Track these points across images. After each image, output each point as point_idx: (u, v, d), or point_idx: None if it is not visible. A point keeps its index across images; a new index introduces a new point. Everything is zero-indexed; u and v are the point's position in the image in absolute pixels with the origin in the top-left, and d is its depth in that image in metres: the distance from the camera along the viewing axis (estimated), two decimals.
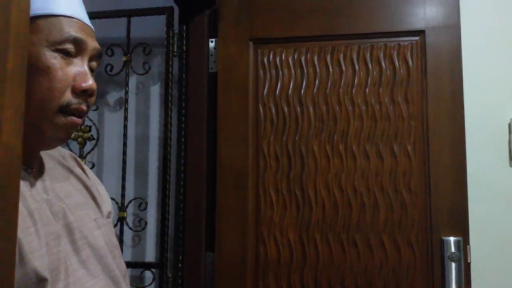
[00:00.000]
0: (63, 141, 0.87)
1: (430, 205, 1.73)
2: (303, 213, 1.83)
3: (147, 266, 1.92)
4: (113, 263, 0.86)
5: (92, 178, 0.98)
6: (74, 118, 0.80)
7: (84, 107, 0.82)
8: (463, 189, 1.71)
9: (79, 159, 1.01)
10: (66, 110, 0.79)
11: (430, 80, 1.78)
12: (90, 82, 0.82)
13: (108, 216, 0.99)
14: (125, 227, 1.95)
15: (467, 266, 1.68)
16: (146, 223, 1.97)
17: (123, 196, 1.97)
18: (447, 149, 1.74)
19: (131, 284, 1.96)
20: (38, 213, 0.77)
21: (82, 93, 0.81)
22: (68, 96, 0.79)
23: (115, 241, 0.92)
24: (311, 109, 1.86)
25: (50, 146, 0.85)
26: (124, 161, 1.99)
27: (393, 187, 1.76)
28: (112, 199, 1.97)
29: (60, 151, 0.97)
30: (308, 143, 1.84)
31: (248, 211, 1.86)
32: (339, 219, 1.80)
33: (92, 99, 0.84)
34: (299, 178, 1.84)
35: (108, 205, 1.00)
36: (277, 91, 1.89)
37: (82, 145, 2.03)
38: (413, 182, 1.75)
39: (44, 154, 0.87)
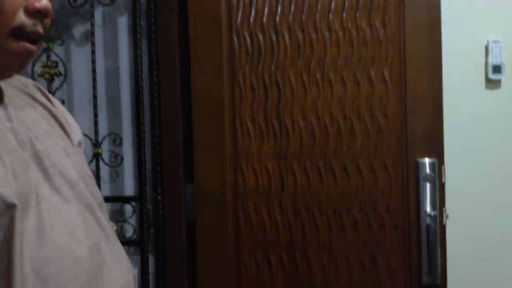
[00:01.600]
0: (17, 71, 0.76)
1: (406, 129, 1.67)
2: (280, 142, 1.76)
3: (126, 200, 1.84)
4: (86, 191, 0.78)
5: (58, 106, 0.88)
6: (27, 45, 0.70)
7: (40, 29, 0.71)
8: (439, 112, 1.65)
9: (42, 88, 0.90)
10: (20, 33, 0.69)
11: (408, 3, 1.68)
12: (44, 1, 0.71)
13: (79, 146, 0.89)
14: (101, 163, 1.85)
15: (442, 186, 1.66)
16: (122, 158, 1.87)
17: (96, 132, 1.85)
18: (424, 73, 1.66)
19: (111, 218, 1.90)
20: (1, 141, 0.69)
21: (36, 14, 0.70)
22: (21, 18, 0.69)
23: (88, 170, 0.84)
24: (286, 36, 1.74)
25: (2, 76, 0.75)
26: (94, 97, 1.85)
27: (369, 113, 1.69)
28: (86, 135, 1.86)
29: (21, 80, 0.85)
30: (285, 72, 1.74)
31: (225, 142, 1.78)
32: (316, 146, 1.74)
33: (48, 21, 0.73)
34: (276, 108, 1.75)
35: (77, 134, 0.91)
36: (251, 19, 1.75)
37: (50, 81, 1.87)
38: (390, 107, 1.68)
39: (2, 83, 0.77)
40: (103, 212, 0.84)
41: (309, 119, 1.72)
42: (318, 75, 1.71)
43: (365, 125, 1.70)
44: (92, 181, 0.85)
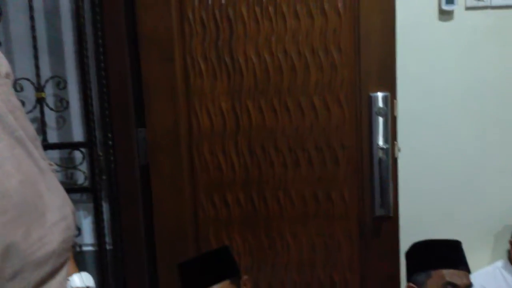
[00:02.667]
0: None
1: (360, 63, 1.61)
2: (234, 80, 1.67)
3: (74, 146, 1.72)
4: (15, 123, 0.69)
5: None
6: None
7: None
8: (392, 45, 1.59)
9: None
10: None
11: None
12: None
13: (6, 77, 0.78)
14: (46, 109, 1.71)
15: (394, 120, 1.65)
16: (67, 102, 1.73)
17: (38, 75, 1.69)
18: (376, 5, 1.58)
19: (60, 166, 1.79)
20: None
21: None
22: None
23: (16, 102, 0.73)
24: None
25: None
26: (34, 38, 1.68)
27: (323, 47, 1.62)
28: (27, 79, 1.71)
29: None
30: (236, 6, 1.61)
31: (177, 82, 1.67)
32: (270, 84, 1.67)
33: None
34: (228, 44, 1.65)
35: (4, 66, 0.80)
36: None
37: None
38: (343, 41, 1.61)
39: None
40: (36, 147, 0.74)
41: (262, 56, 1.64)
42: (271, 9, 1.61)
43: (319, 60, 1.63)
44: (22, 113, 0.75)
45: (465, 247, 1.78)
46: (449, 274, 1.31)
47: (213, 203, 1.74)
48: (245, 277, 1.48)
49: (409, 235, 1.62)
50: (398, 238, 1.67)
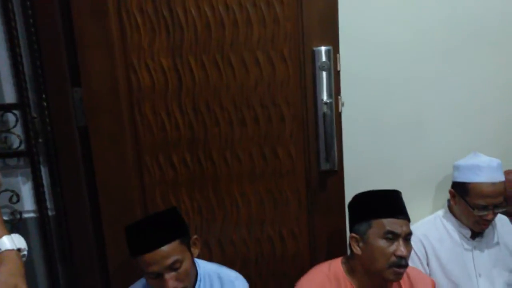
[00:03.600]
0: None
1: (302, 17, 1.55)
2: (174, 36, 1.58)
3: (6, 108, 1.61)
4: None
5: None
6: None
7: None
8: None
9: None
10: None
11: None
12: None
13: None
14: None
15: (337, 74, 1.62)
16: None
17: None
18: None
19: None
20: None
21: None
22: None
23: None
24: None
25: None
26: None
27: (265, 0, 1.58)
28: None
29: None
30: None
31: (113, 38, 1.55)
32: (212, 39, 1.59)
33: None
34: None
35: None
36: None
37: None
38: None
39: None
40: None
41: (202, 9, 1.55)
42: None
43: (261, 14, 1.56)
44: None
45: (408, 198, 1.81)
46: (389, 223, 1.32)
47: (158, 164, 1.68)
48: (194, 237, 1.45)
49: (354, 188, 1.62)
50: (343, 192, 1.68)
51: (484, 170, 1.60)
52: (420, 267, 1.66)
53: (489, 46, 1.78)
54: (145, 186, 1.70)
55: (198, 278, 1.45)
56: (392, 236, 1.31)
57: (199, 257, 1.51)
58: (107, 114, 1.61)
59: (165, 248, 1.32)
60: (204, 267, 1.49)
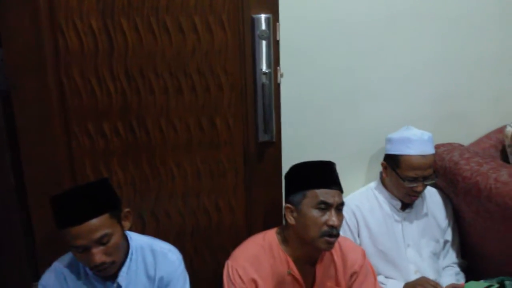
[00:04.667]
0: None
1: None
2: None
3: None
4: None
5: None
6: None
7: None
8: None
9: None
10: None
11: None
12: None
13: None
14: None
15: (276, 43, 1.59)
16: None
17: None
18: None
19: None
20: None
21: None
22: None
23: None
24: None
25: None
26: None
27: None
28: None
29: None
30: None
31: None
32: (146, 1, 1.50)
33: None
34: None
35: None
36: None
37: None
38: None
39: None
40: None
41: None
42: None
43: None
44: None
45: (343, 169, 1.83)
46: (322, 193, 1.33)
47: (88, 132, 1.59)
48: (126, 209, 1.39)
49: (291, 159, 1.62)
50: (281, 163, 1.68)
51: (415, 143, 1.65)
52: (351, 237, 1.70)
53: (424, 22, 1.82)
54: (74, 156, 1.61)
55: (130, 251, 1.40)
56: (324, 206, 1.33)
57: (131, 229, 1.46)
58: (31, 76, 1.49)
59: (94, 221, 1.25)
60: (137, 240, 1.44)
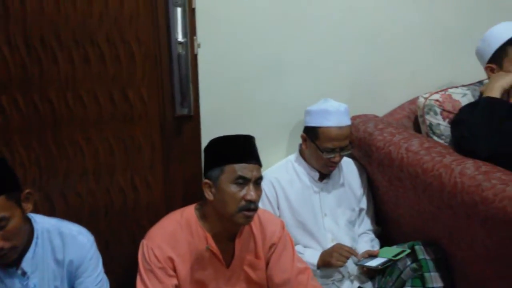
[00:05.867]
0: None
1: None
2: None
3: None
4: None
5: None
6: None
7: None
8: None
9: None
10: None
11: None
12: None
13: None
14: None
15: (192, 12, 1.51)
16: None
17: None
18: None
19: None
20: None
21: None
22: None
23: None
24: None
25: None
26: None
27: None
28: None
29: None
30: None
31: None
32: None
33: None
34: None
35: None
36: None
37: None
38: None
39: None
40: None
41: None
42: None
43: None
44: None
45: (264, 142, 1.82)
46: (240, 168, 1.30)
47: None
48: (26, 190, 1.26)
49: (210, 133, 1.57)
50: (200, 137, 1.63)
51: (332, 114, 1.67)
52: (270, 209, 1.71)
53: None
54: None
55: (35, 235, 1.29)
56: (242, 181, 1.30)
57: (39, 212, 1.35)
58: None
59: None
60: (42, 222, 1.33)
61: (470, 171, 1.38)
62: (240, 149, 1.35)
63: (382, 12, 1.90)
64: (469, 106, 1.71)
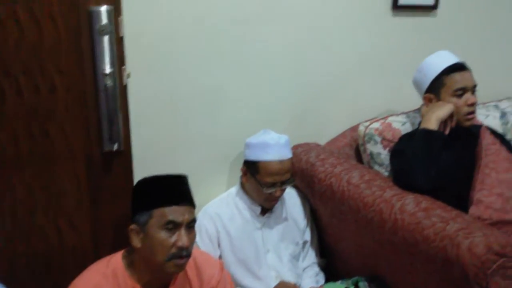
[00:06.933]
0: None
1: None
2: None
3: None
4: None
5: None
6: None
7: None
8: None
9: None
10: None
11: None
12: None
13: None
14: None
15: (120, 40, 1.40)
16: None
17: None
18: None
19: None
20: None
21: None
22: None
23: None
24: None
25: None
26: None
27: None
28: None
29: None
30: None
31: None
32: None
33: None
34: None
35: None
36: None
37: None
38: None
39: None
40: None
41: None
42: None
43: None
44: None
45: (203, 175, 1.75)
46: (171, 212, 1.20)
47: None
48: None
49: (144, 169, 1.46)
50: (132, 174, 1.51)
51: (272, 147, 1.60)
52: (210, 247, 1.61)
53: (279, 23, 1.77)
54: None
55: None
56: (173, 226, 1.20)
57: None
58: None
59: None
60: None
61: (410, 207, 1.35)
62: (171, 191, 1.24)
63: (320, 41, 1.88)
64: (407, 136, 1.71)
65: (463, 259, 1.13)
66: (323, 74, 1.93)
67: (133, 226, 1.23)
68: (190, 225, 1.24)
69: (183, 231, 1.21)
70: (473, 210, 1.44)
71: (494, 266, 1.10)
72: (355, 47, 1.96)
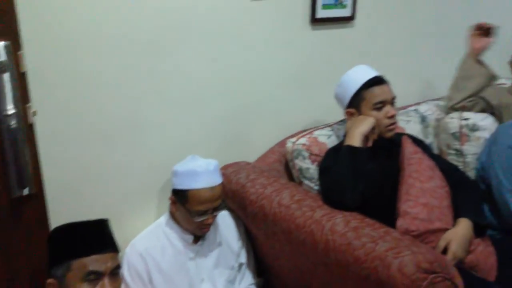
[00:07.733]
0: None
1: None
2: None
3: None
4: None
5: None
6: None
7: None
8: None
9: None
10: None
11: None
12: None
13: None
14: None
15: (22, 76, 1.28)
16: None
17: None
18: None
19: None
20: None
21: None
22: None
23: None
24: None
25: None
26: None
27: None
28: None
29: None
30: None
31: None
32: None
33: None
34: None
35: None
36: None
37: None
38: None
39: None
40: None
41: None
42: None
43: None
44: None
45: (130, 207, 1.66)
46: (91, 261, 1.11)
47: None
48: None
49: (62, 212, 1.35)
50: (47, 220, 1.38)
51: (201, 175, 1.54)
52: (141, 285, 1.53)
53: (201, 40, 1.72)
54: None
55: None
56: (95, 277, 1.11)
57: None
58: None
59: None
60: None
61: (340, 228, 1.36)
62: (89, 239, 1.15)
63: (241, 60, 1.84)
64: (333, 150, 1.72)
65: (394, 279, 1.14)
66: (247, 92, 1.90)
67: (50, 281, 1.13)
68: (114, 272, 1.15)
69: (106, 281, 1.12)
70: (400, 222, 1.48)
71: (424, 283, 1.12)
72: (277, 63, 1.95)
